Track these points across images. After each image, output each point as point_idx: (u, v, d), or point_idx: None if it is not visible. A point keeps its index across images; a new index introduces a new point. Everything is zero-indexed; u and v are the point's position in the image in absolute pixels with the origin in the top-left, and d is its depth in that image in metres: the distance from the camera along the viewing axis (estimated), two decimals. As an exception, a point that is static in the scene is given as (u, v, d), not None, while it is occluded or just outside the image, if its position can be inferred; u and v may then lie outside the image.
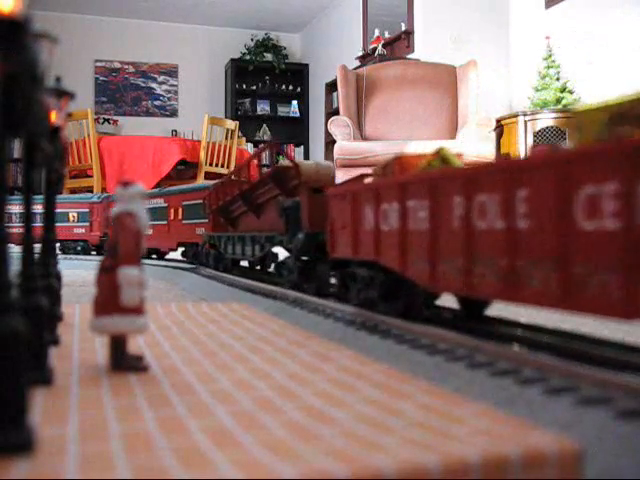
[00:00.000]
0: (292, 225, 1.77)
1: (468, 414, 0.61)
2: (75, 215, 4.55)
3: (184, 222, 3.36)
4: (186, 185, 3.84)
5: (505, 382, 0.83)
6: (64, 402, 0.64)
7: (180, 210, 3.39)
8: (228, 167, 5.83)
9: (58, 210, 3.92)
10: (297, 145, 9.60)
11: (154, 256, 3.91)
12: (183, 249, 3.48)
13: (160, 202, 3.69)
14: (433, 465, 0.48)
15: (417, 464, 0.48)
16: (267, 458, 0.49)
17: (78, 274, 3.10)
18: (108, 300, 0.77)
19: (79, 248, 4.55)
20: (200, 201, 3.09)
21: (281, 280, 1.94)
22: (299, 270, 1.73)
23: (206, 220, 3.03)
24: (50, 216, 1.03)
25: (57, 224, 3.92)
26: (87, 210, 4.45)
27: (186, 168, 5.88)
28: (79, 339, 1.00)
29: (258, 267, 2.58)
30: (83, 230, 4.48)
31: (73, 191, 5.77)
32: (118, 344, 0.79)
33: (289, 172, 1.87)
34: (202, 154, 5.75)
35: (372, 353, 1.06)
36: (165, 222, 3.58)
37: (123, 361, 0.78)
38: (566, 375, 0.81)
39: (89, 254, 4.47)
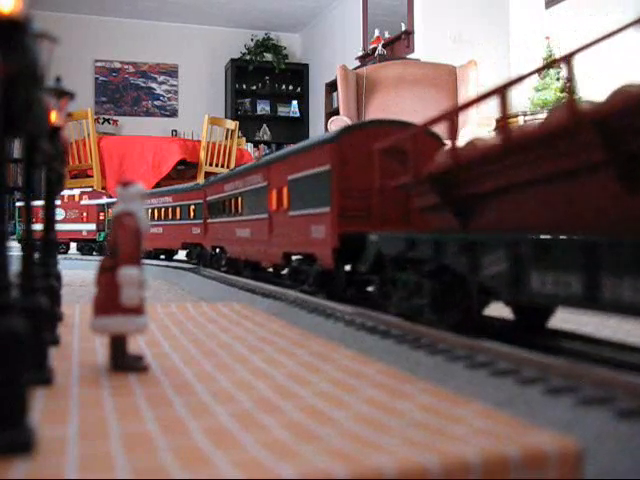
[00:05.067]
0: None
1: (468, 414, 0.61)
2: (193, 209, 3.15)
3: (291, 214, 1.85)
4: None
5: (505, 382, 0.83)
6: (64, 402, 0.64)
7: (286, 192, 1.88)
8: (228, 167, 5.83)
9: (181, 203, 3.34)
10: (297, 145, 9.59)
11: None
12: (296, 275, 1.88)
13: (259, 180, 2.16)
14: (433, 465, 0.48)
15: (417, 464, 0.48)
16: (267, 458, 0.49)
17: (78, 274, 3.10)
18: (108, 300, 0.77)
19: (195, 255, 3.20)
20: (328, 167, 1.58)
21: None
22: None
23: (328, 209, 1.57)
24: (50, 216, 1.03)
25: (179, 222, 3.36)
26: (201, 201, 3.06)
27: (186, 168, 5.88)
28: (79, 339, 1.00)
29: None
30: (198, 230, 3.06)
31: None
32: (118, 344, 0.79)
33: None
34: (202, 154, 5.76)
35: (372, 353, 1.05)
36: (265, 215, 2.08)
37: (123, 361, 0.78)
38: (566, 375, 0.81)
39: (211, 267, 2.85)
